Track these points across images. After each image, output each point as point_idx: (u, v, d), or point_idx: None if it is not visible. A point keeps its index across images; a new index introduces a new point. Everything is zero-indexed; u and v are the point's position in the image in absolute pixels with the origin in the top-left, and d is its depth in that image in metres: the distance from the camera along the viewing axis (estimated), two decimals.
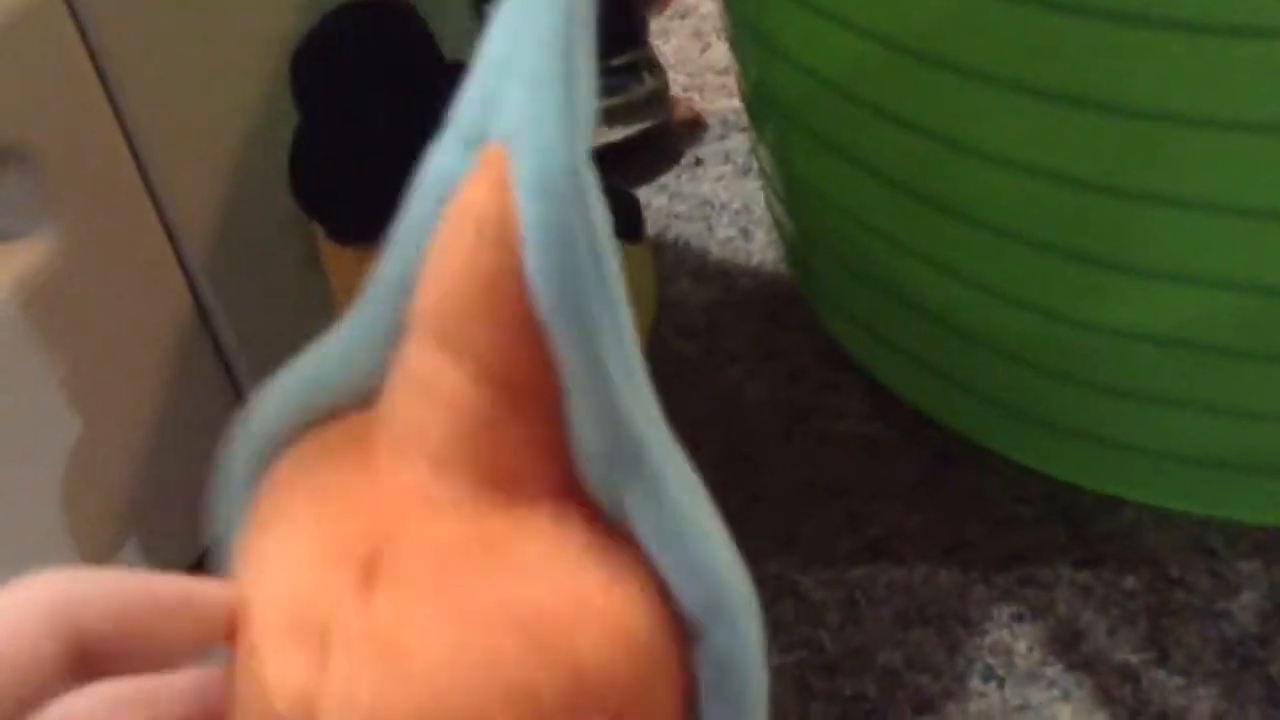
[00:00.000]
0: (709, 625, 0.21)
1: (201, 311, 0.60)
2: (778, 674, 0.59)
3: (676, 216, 0.88)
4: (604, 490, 0.22)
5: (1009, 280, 0.56)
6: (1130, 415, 0.58)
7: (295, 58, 0.45)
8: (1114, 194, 0.48)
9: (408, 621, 0.19)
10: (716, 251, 0.85)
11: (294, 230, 0.51)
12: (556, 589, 0.21)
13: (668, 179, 0.92)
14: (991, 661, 0.60)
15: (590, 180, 0.21)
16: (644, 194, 0.90)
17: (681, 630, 0.21)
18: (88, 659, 0.21)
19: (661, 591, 0.21)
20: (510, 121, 0.22)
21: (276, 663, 0.19)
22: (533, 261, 0.20)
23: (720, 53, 1.01)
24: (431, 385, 0.22)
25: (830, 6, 0.52)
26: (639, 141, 0.90)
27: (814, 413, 0.73)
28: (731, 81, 0.93)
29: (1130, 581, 0.63)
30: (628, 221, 0.57)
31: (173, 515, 0.62)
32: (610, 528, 0.22)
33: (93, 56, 0.50)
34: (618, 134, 0.89)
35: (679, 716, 0.22)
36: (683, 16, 1.07)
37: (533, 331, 0.20)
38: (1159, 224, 0.49)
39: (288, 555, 0.21)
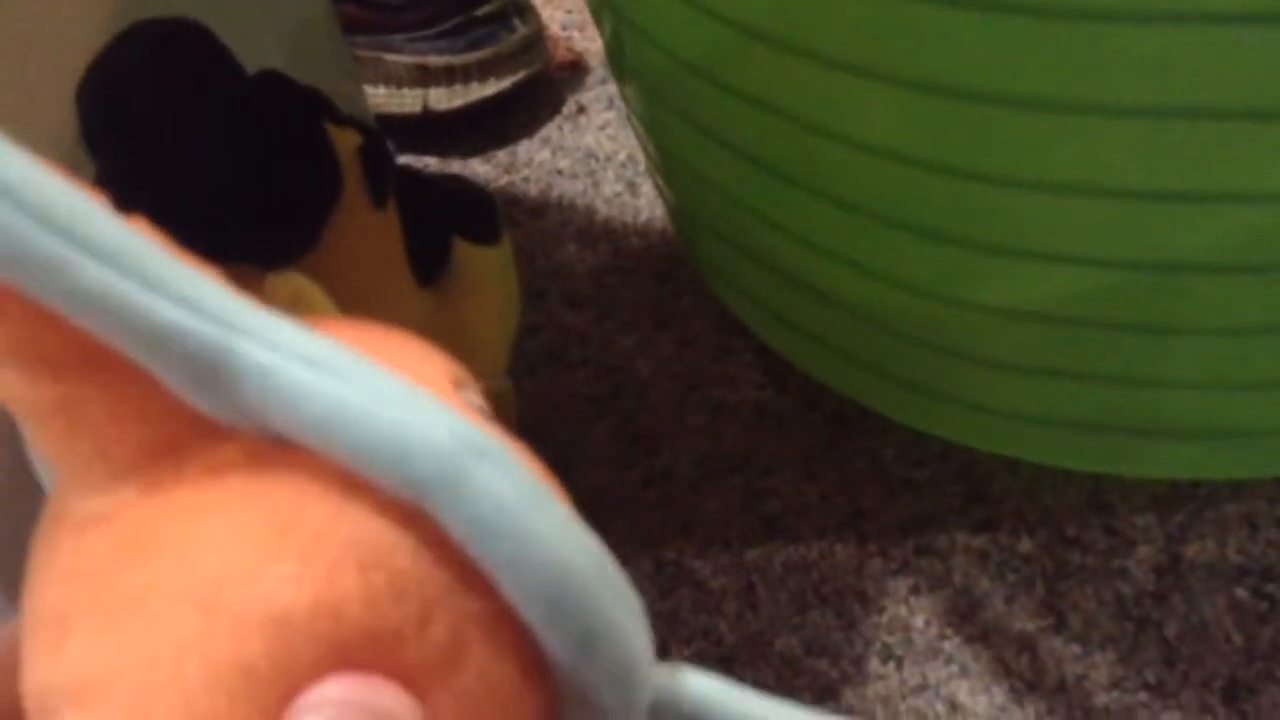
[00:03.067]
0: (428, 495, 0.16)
1: None
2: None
3: (560, 173, 0.84)
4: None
5: (882, 260, 0.53)
6: (1014, 385, 0.56)
7: (79, 100, 0.41)
8: (976, 179, 0.46)
9: (93, 657, 0.16)
10: (603, 210, 0.82)
11: None
12: (221, 556, 0.16)
13: (549, 130, 0.88)
14: (889, 640, 0.59)
15: None
16: (525, 149, 0.86)
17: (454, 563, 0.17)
18: None
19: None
20: None
21: None
22: None
23: None
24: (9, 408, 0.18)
25: None
26: (516, 93, 0.86)
27: (708, 383, 0.71)
28: None
29: (1027, 544, 0.62)
30: (482, 222, 0.54)
31: None
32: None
33: None
34: (491, 89, 0.84)
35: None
36: None
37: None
38: (1025, 207, 0.46)
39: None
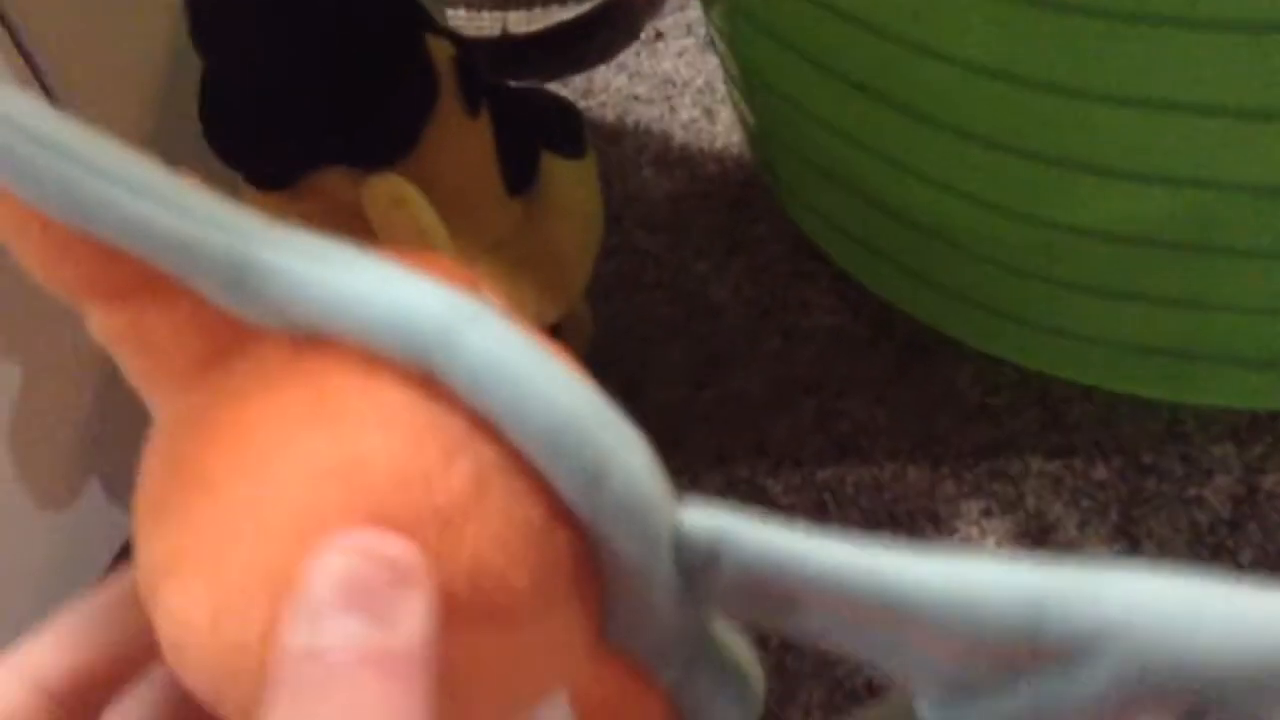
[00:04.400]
0: (561, 454, 0.18)
1: None
2: None
3: (636, 99, 0.85)
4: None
5: (971, 180, 0.53)
6: (1096, 309, 0.56)
7: (190, 1, 0.42)
8: (1073, 95, 0.46)
9: (180, 531, 0.18)
10: (679, 136, 0.82)
11: (222, 172, 0.49)
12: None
13: (627, 57, 0.88)
14: None
15: None
16: (602, 75, 0.87)
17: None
18: (85, 701, 0.20)
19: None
20: None
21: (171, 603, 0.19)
22: None
23: None
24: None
25: None
26: (594, 17, 0.86)
27: (781, 307, 0.71)
28: None
29: (1101, 471, 0.62)
30: (568, 135, 0.54)
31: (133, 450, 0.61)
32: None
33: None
34: (570, 12, 0.85)
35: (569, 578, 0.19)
36: None
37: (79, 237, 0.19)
38: (1120, 124, 0.46)
39: None
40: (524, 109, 0.53)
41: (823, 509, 0.62)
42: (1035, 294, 0.58)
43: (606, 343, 0.70)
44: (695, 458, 0.66)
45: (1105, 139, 0.47)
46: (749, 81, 0.64)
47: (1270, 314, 0.53)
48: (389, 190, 0.43)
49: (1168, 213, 0.49)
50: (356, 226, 0.44)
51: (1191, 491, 0.61)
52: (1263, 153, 0.45)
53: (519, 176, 0.52)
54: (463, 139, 0.49)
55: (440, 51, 0.49)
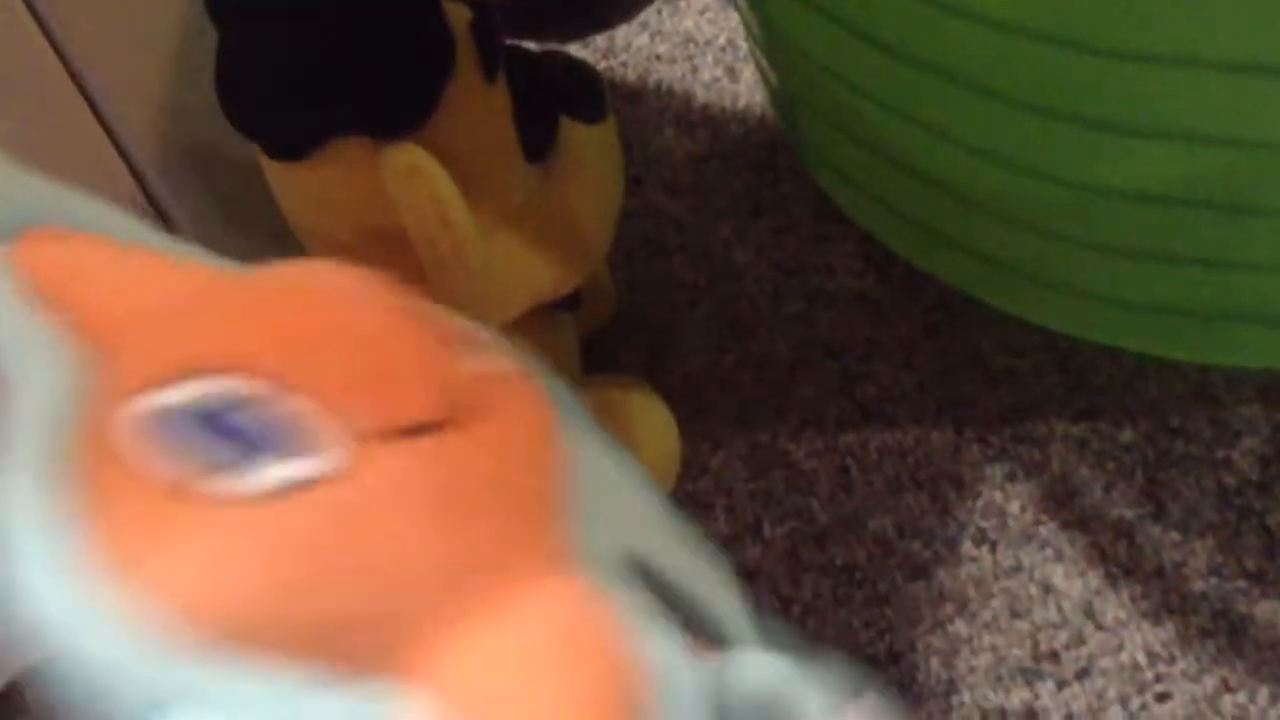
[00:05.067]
0: None
1: (160, 215, 0.58)
2: (768, 546, 0.60)
3: (658, 58, 0.84)
4: None
5: (994, 139, 0.52)
6: (1123, 270, 0.56)
7: None
8: (1098, 53, 0.45)
9: None
10: (701, 96, 0.81)
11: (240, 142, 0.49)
12: None
13: (648, 15, 0.87)
14: (984, 524, 0.60)
15: None
16: (623, 34, 0.86)
17: None
18: None
19: None
20: None
21: None
22: None
23: None
24: None
25: None
26: None
27: (805, 270, 0.71)
28: None
29: (1128, 433, 0.62)
30: (588, 100, 0.54)
31: None
32: None
33: None
34: None
35: None
36: None
37: None
38: (1148, 82, 0.45)
39: None
40: (542, 74, 0.53)
41: (845, 473, 0.62)
42: (1063, 256, 0.57)
43: (628, 308, 0.70)
44: (719, 422, 0.65)
45: (1135, 98, 0.46)
46: (771, 42, 0.64)
47: None
48: (406, 160, 0.43)
49: (1199, 172, 0.48)
50: (374, 195, 0.44)
51: (1219, 453, 0.60)
52: None
53: (538, 143, 0.51)
54: (480, 106, 0.48)
55: (457, 16, 0.49)
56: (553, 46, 0.68)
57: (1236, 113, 0.45)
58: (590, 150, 0.55)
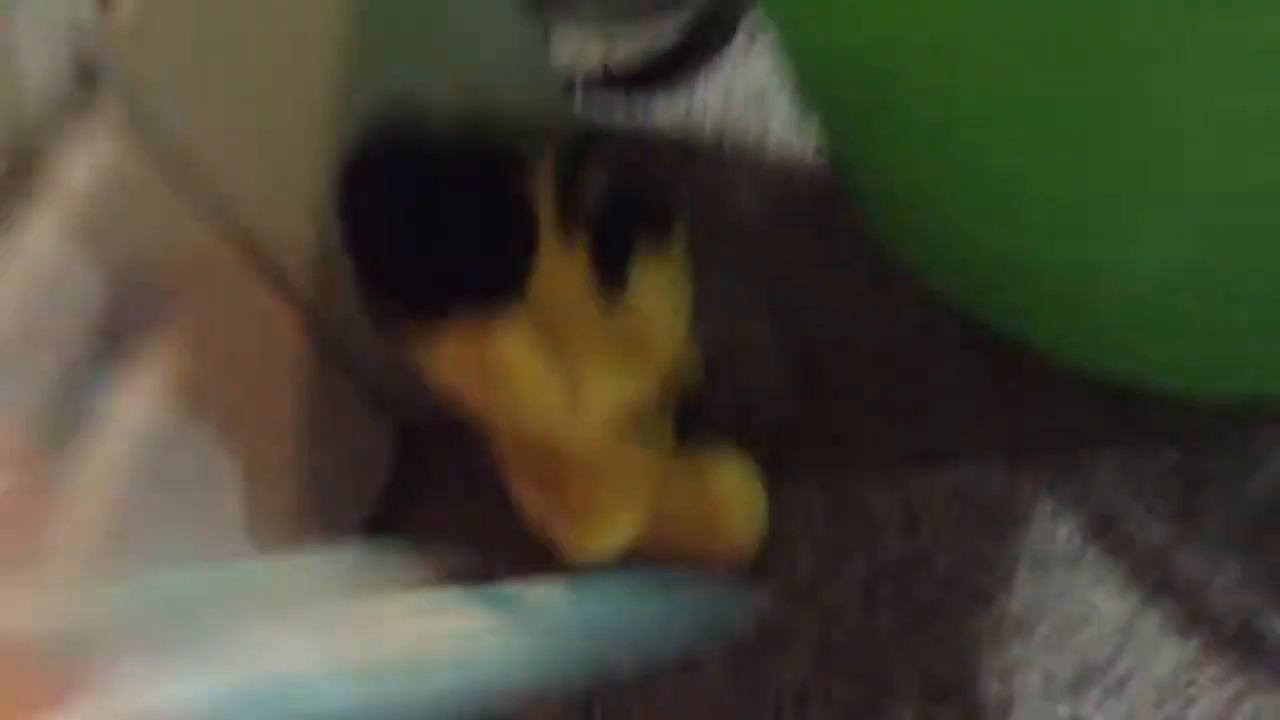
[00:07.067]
0: None
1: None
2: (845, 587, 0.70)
3: (729, 115, 0.92)
4: None
5: (1056, 219, 0.57)
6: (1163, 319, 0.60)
7: (341, 186, 0.54)
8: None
9: None
10: (771, 150, 0.89)
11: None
12: None
13: (721, 69, 0.94)
14: (1037, 552, 0.68)
15: None
16: (699, 94, 0.94)
17: None
18: None
19: None
20: None
21: None
22: None
23: None
24: None
25: None
26: (689, 43, 0.93)
27: (871, 316, 0.79)
28: None
29: (1167, 458, 0.69)
30: (659, 235, 0.63)
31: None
32: None
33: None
34: (671, 20, 0.92)
35: None
36: None
37: None
38: (1198, 150, 0.49)
39: None
40: (616, 224, 0.62)
41: (910, 511, 0.72)
42: (1123, 314, 0.62)
43: (706, 366, 0.79)
44: (798, 469, 0.75)
45: (1187, 165, 0.50)
46: (822, 133, 0.71)
47: None
48: (504, 349, 0.54)
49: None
50: (483, 373, 0.56)
51: (1248, 476, 0.67)
52: None
53: (612, 291, 0.61)
54: (560, 272, 0.59)
55: (541, 186, 0.59)
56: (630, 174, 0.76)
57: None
58: (659, 277, 0.64)
